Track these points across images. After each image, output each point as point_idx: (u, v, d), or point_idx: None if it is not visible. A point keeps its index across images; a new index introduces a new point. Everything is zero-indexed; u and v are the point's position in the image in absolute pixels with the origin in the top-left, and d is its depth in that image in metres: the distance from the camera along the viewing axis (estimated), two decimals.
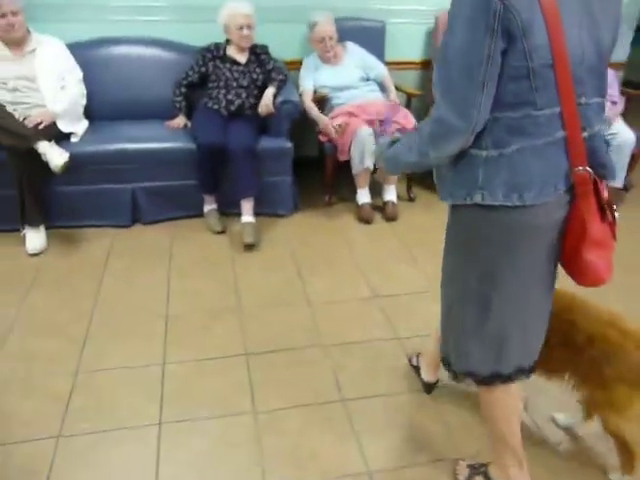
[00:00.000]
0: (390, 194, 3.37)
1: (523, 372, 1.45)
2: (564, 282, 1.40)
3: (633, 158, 3.52)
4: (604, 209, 1.22)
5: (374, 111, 3.21)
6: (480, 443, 1.76)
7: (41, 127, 2.80)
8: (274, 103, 3.15)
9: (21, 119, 2.80)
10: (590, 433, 1.79)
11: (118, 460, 1.71)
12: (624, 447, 1.57)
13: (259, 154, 3.07)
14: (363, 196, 3.32)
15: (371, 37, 3.63)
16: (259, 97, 3.19)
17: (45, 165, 2.72)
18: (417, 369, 2.02)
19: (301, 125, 3.31)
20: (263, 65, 3.26)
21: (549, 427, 1.86)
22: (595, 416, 1.62)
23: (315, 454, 1.75)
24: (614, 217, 1.26)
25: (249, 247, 2.92)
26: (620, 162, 3.46)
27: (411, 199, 3.57)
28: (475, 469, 1.64)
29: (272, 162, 3.15)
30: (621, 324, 1.52)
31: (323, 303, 2.50)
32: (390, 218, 3.30)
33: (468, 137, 1.18)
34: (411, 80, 3.84)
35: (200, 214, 3.19)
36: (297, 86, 3.39)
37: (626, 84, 3.97)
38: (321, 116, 3.28)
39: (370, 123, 3.16)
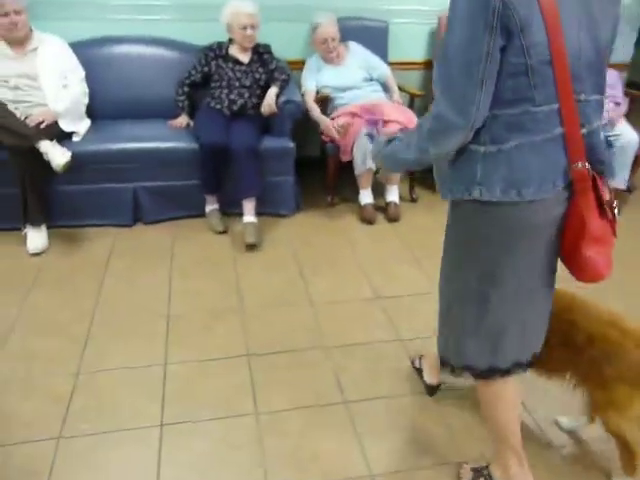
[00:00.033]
0: (392, 195, 3.36)
1: (521, 366, 1.45)
2: (565, 281, 1.39)
3: (636, 159, 3.50)
4: (603, 205, 1.23)
5: (377, 111, 3.20)
6: (483, 446, 1.75)
7: (43, 126, 2.79)
8: (277, 103, 3.14)
9: (23, 118, 2.79)
10: (594, 436, 1.78)
11: (119, 462, 1.70)
12: (625, 447, 1.56)
13: (261, 154, 3.06)
14: (365, 197, 3.31)
15: (374, 37, 3.62)
16: (262, 97, 3.18)
17: (47, 164, 2.71)
18: (420, 371, 2.00)
19: (303, 125, 3.30)
20: (266, 65, 3.25)
21: (553, 430, 1.85)
22: (597, 417, 1.61)
23: (317, 456, 1.74)
24: (614, 213, 1.27)
25: (251, 247, 2.91)
26: (623, 163, 3.44)
27: (413, 200, 3.56)
28: (478, 472, 1.63)
29: (274, 162, 3.14)
30: (621, 323, 1.51)
31: (325, 304, 2.49)
32: (392, 219, 3.29)
33: (467, 133, 1.18)
34: (414, 80, 3.83)
35: (202, 214, 3.18)
36: (300, 86, 3.38)
37: (630, 85, 3.96)
38: (323, 117, 3.27)
39: (373, 123, 3.14)
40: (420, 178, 3.54)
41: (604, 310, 1.57)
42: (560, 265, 1.38)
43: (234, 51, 3.21)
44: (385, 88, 3.50)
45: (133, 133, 3.11)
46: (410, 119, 3.21)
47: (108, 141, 3.01)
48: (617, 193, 3.42)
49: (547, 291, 1.40)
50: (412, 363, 2.08)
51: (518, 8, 1.08)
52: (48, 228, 2.92)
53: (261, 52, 3.25)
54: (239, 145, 2.95)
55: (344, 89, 3.36)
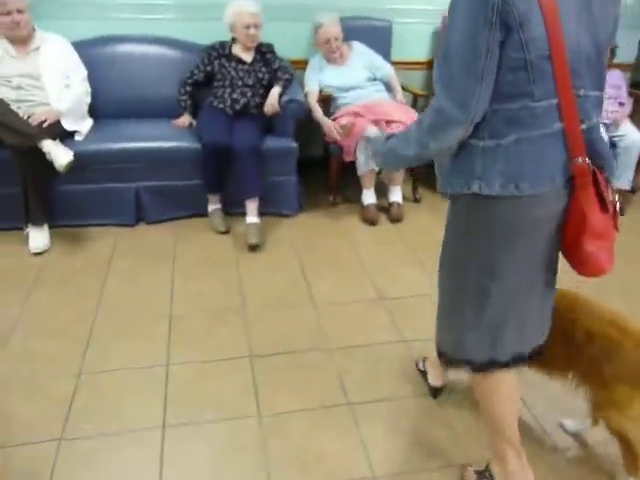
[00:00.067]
0: (395, 195, 3.34)
1: (520, 359, 1.45)
2: (566, 279, 1.38)
3: None
4: (604, 200, 1.23)
5: (380, 111, 3.18)
6: (487, 448, 1.73)
7: (45, 125, 2.78)
8: (280, 102, 3.12)
9: (25, 117, 2.78)
10: (599, 439, 1.77)
11: (121, 464, 1.69)
12: (627, 447, 1.55)
13: (264, 154, 3.05)
14: (368, 197, 3.29)
15: (378, 37, 3.61)
16: (264, 96, 3.17)
17: (49, 164, 2.70)
18: (424, 374, 1.99)
19: (306, 125, 3.29)
20: (269, 64, 3.24)
21: (557, 433, 1.83)
22: (599, 417, 1.60)
23: (320, 458, 1.72)
24: (615, 208, 1.27)
25: (253, 248, 2.90)
26: (627, 164, 3.43)
27: (416, 200, 3.55)
28: (482, 474, 1.61)
29: (277, 162, 3.13)
30: (622, 323, 1.51)
31: (328, 305, 2.48)
32: (395, 219, 3.28)
33: (467, 128, 1.19)
34: (417, 80, 3.82)
35: (204, 214, 3.17)
36: (303, 86, 3.36)
37: (634, 85, 3.95)
38: (325, 119, 3.26)
39: (376, 123, 3.13)
40: (423, 178, 3.53)
41: (606, 309, 1.57)
42: (562, 260, 1.38)
43: (237, 50, 3.20)
44: (388, 88, 3.49)
45: (136, 132, 3.10)
46: (413, 119, 3.19)
47: (110, 140, 3.00)
48: (621, 194, 3.41)
49: (548, 285, 1.40)
50: (416, 365, 2.07)
51: (517, 3, 1.09)
52: (50, 228, 2.91)
53: (264, 51, 3.24)
54: (242, 145, 2.94)
55: (347, 89, 3.35)
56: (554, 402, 1.90)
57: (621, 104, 3.58)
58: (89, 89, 3.16)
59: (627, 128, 3.46)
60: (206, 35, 3.31)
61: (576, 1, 1.15)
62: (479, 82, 1.13)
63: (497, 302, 1.35)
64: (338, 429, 1.83)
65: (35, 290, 2.51)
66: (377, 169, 3.23)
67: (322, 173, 3.50)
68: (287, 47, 3.44)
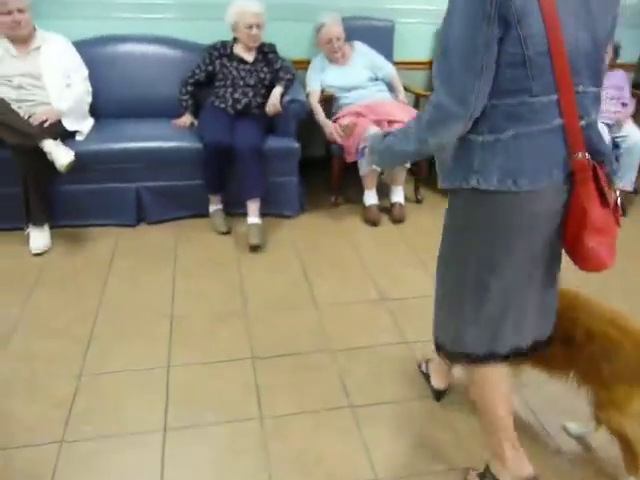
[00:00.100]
0: (397, 195, 3.33)
1: (520, 352, 1.45)
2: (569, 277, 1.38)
3: None
4: (604, 195, 1.23)
5: (382, 111, 3.17)
6: (485, 448, 1.72)
7: (46, 125, 2.77)
8: (281, 102, 3.11)
9: (26, 117, 2.77)
10: (603, 442, 1.75)
11: (122, 466, 1.68)
12: (627, 446, 1.55)
13: (266, 154, 3.04)
14: (370, 197, 3.28)
15: (380, 37, 3.60)
16: (266, 96, 3.16)
17: (50, 164, 2.69)
18: (427, 376, 1.98)
19: (308, 125, 3.28)
20: (271, 64, 3.23)
21: (561, 436, 1.82)
22: (599, 416, 1.59)
23: (322, 460, 1.71)
24: (616, 203, 1.28)
25: (255, 248, 2.89)
26: (630, 165, 3.42)
27: (418, 201, 3.54)
28: (483, 476, 1.60)
29: (279, 162, 3.12)
30: (622, 322, 1.51)
31: (330, 306, 2.47)
32: (397, 220, 3.27)
33: (466, 123, 1.20)
34: (419, 80, 3.81)
35: (205, 214, 3.16)
36: (305, 85, 3.35)
37: (637, 86, 3.94)
38: (327, 121, 3.25)
39: (378, 123, 3.12)
40: (425, 179, 3.52)
41: (607, 309, 1.56)
42: (564, 257, 1.38)
43: (239, 50, 3.19)
44: (390, 88, 3.48)
45: (137, 132, 3.09)
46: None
47: (111, 140, 2.99)
48: (624, 195, 3.40)
49: (549, 281, 1.41)
50: (419, 367, 2.05)
51: None
52: (51, 228, 2.90)
53: (266, 51, 3.23)
54: (243, 145, 2.93)
55: (349, 89, 3.34)
56: (557, 405, 1.89)
57: (624, 105, 3.57)
58: (90, 89, 3.15)
59: (630, 129, 3.45)
60: (207, 35, 3.30)
61: None
62: (478, 77, 1.14)
63: (496, 297, 1.35)
64: (340, 431, 1.82)
65: (36, 290, 2.50)
66: (379, 169, 3.22)
67: (324, 173, 3.49)
68: (289, 47, 3.43)
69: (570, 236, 1.29)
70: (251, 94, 3.16)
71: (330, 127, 3.20)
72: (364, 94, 3.32)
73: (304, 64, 3.46)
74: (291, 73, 3.24)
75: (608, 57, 3.42)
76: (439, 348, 1.54)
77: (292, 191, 3.23)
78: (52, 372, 2.02)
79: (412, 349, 2.20)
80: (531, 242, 1.30)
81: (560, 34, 1.13)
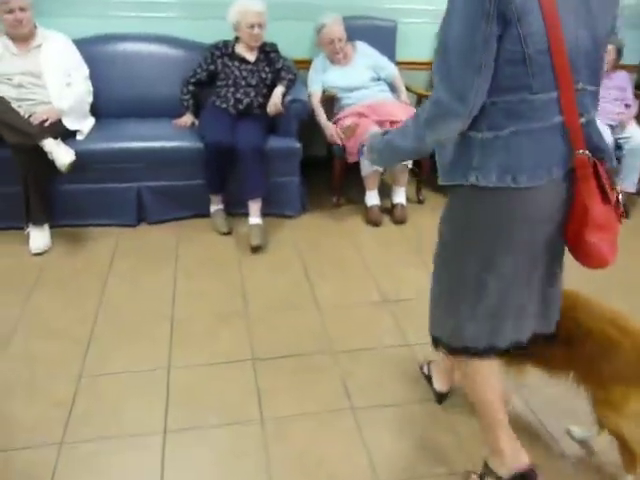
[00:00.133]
0: (399, 196, 3.32)
1: (520, 345, 1.45)
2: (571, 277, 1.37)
3: None
4: (605, 191, 1.24)
5: (384, 112, 3.16)
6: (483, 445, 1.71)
7: (46, 124, 2.76)
8: (283, 102, 3.10)
9: (26, 116, 2.76)
10: (606, 446, 1.73)
11: (121, 468, 1.66)
12: (625, 446, 1.55)
13: (267, 154, 3.02)
14: (372, 198, 3.27)
15: (382, 37, 3.59)
16: (268, 96, 3.15)
17: (51, 163, 2.68)
18: (429, 378, 1.97)
19: (309, 125, 3.26)
20: (272, 64, 3.22)
21: (565, 440, 1.81)
22: (597, 415, 1.59)
23: (323, 462, 1.70)
24: (618, 199, 1.28)
25: (256, 249, 2.87)
26: (633, 166, 3.41)
27: (420, 201, 3.53)
28: (483, 474, 1.60)
29: (280, 162, 3.10)
30: (622, 322, 1.50)
31: (331, 307, 2.45)
32: (399, 221, 3.25)
33: (465, 120, 1.20)
34: (422, 81, 3.79)
35: (206, 214, 3.15)
36: (306, 85, 3.34)
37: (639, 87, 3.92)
38: (328, 123, 3.24)
39: (380, 124, 3.10)
40: (427, 179, 3.50)
41: (607, 309, 1.56)
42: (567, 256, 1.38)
43: (240, 49, 3.17)
44: (392, 88, 3.46)
45: (137, 132, 3.08)
46: None
47: (112, 140, 2.98)
48: (627, 196, 3.39)
49: (550, 276, 1.41)
50: (421, 369, 2.04)
51: None
52: (51, 227, 2.89)
53: (268, 51, 3.22)
54: (245, 145, 2.91)
55: (351, 89, 3.32)
56: (561, 408, 1.88)
57: (627, 106, 3.56)
58: (91, 88, 3.14)
59: (633, 130, 3.44)
60: (209, 34, 3.28)
61: None
62: (477, 74, 1.14)
63: (495, 294, 1.36)
64: (341, 433, 1.80)
65: (36, 291, 2.49)
66: (381, 170, 3.21)
67: (325, 174, 3.48)
68: (291, 47, 3.42)
69: (572, 233, 1.29)
70: (253, 94, 3.15)
71: (331, 129, 3.19)
72: (366, 94, 3.30)
73: (306, 64, 3.45)
74: (293, 73, 3.22)
75: (611, 58, 3.46)
76: (438, 343, 1.53)
77: (293, 191, 3.21)
78: (52, 373, 2.01)
79: (414, 351, 2.18)
80: (531, 239, 1.30)
81: (560, 32, 1.13)
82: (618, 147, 3.41)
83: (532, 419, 1.88)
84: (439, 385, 1.92)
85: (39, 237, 2.80)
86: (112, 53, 3.31)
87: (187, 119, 3.22)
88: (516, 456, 1.51)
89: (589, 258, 1.30)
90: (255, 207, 2.98)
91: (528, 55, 1.13)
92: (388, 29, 3.63)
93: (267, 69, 3.20)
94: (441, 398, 1.92)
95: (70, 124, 2.93)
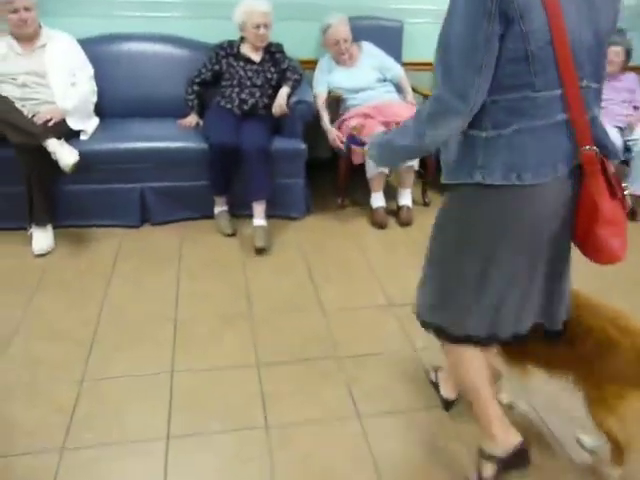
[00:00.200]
0: (405, 198, 3.29)
1: (519, 336, 1.46)
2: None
3: None
4: (613, 187, 1.24)
5: (390, 113, 3.13)
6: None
7: (50, 124, 2.74)
8: (288, 103, 3.07)
9: (30, 115, 2.74)
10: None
11: (123, 475, 1.64)
12: (615, 444, 1.56)
13: (272, 155, 3.00)
14: (377, 200, 3.24)
15: (388, 37, 3.56)
16: (273, 97, 3.12)
17: (54, 163, 2.66)
18: (436, 385, 1.94)
19: (314, 126, 3.24)
20: (278, 64, 3.19)
21: (574, 448, 1.77)
22: (590, 415, 1.58)
23: (328, 470, 1.67)
24: (623, 193, 1.29)
25: (260, 251, 2.85)
26: None
27: (426, 204, 3.49)
28: (480, 462, 1.59)
29: (285, 163, 3.08)
30: (622, 322, 1.49)
31: (336, 310, 2.42)
32: (405, 223, 3.22)
33: (466, 118, 1.20)
34: (428, 81, 3.75)
35: (210, 215, 3.13)
36: (312, 86, 3.31)
37: None
38: (330, 128, 3.22)
39: (386, 125, 3.07)
40: (433, 181, 3.47)
41: (609, 308, 1.56)
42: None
43: (246, 50, 3.15)
44: (398, 89, 3.43)
45: (142, 132, 3.06)
46: None
47: (116, 140, 2.96)
48: (635, 199, 3.35)
49: (555, 274, 1.41)
50: (428, 376, 2.01)
51: None
52: (54, 228, 2.87)
53: (273, 51, 3.20)
54: (250, 146, 2.89)
55: (357, 90, 3.29)
56: (570, 417, 1.84)
57: (636, 108, 3.53)
58: (95, 88, 3.12)
59: None
60: (214, 34, 3.26)
61: None
62: (477, 74, 1.14)
63: (496, 289, 1.36)
64: (347, 440, 1.77)
65: (38, 292, 2.47)
66: (386, 171, 3.18)
67: (330, 175, 3.45)
68: (296, 47, 3.39)
69: (581, 230, 1.30)
70: (258, 94, 3.12)
71: (333, 134, 3.17)
72: (372, 95, 3.28)
73: (311, 64, 3.42)
74: (298, 73, 3.20)
75: (620, 60, 3.42)
76: (439, 333, 1.52)
77: (298, 193, 3.19)
78: (54, 376, 1.99)
79: (420, 356, 2.15)
80: (534, 236, 1.31)
81: (563, 27, 1.13)
82: (627, 149, 3.38)
83: (541, 427, 1.85)
84: (446, 392, 1.89)
85: (42, 238, 2.78)
86: (117, 53, 3.29)
87: (192, 119, 3.20)
88: (508, 436, 1.53)
89: (600, 254, 1.30)
90: (259, 209, 2.95)
91: (530, 52, 1.13)
92: (394, 29, 3.60)
93: (272, 69, 3.17)
94: (448, 405, 1.89)
95: (74, 124, 2.91)
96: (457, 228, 1.38)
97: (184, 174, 3.05)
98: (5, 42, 2.87)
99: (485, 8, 1.09)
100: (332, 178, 3.43)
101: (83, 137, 2.95)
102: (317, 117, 3.22)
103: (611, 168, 1.25)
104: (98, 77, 3.13)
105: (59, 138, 2.71)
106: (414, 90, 3.48)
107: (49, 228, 2.83)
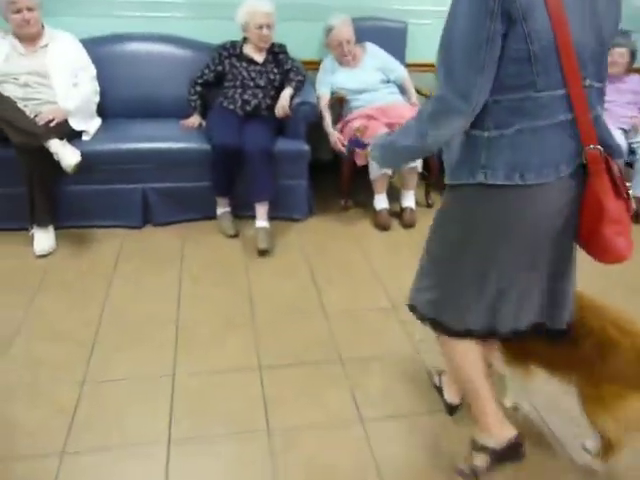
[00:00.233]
0: (408, 200, 3.27)
1: (518, 332, 1.46)
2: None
3: None
4: (617, 186, 1.24)
5: (394, 114, 3.11)
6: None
7: (52, 124, 2.73)
8: (291, 104, 3.06)
9: (32, 116, 2.73)
10: (622, 462, 1.69)
11: (125, 479, 1.62)
12: (606, 443, 1.57)
13: (275, 156, 2.98)
14: (380, 201, 3.22)
15: (392, 38, 3.55)
16: (276, 98, 3.11)
17: (56, 163, 2.65)
18: (440, 389, 1.92)
19: (317, 127, 3.22)
20: (281, 65, 3.18)
21: (580, 454, 1.75)
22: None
23: (331, 474, 1.65)
24: (627, 193, 1.29)
25: (263, 253, 2.83)
26: None
27: (429, 205, 3.48)
28: (474, 455, 1.60)
29: (288, 165, 3.06)
30: (623, 323, 1.49)
31: (339, 313, 2.41)
32: (408, 225, 3.21)
33: (468, 118, 1.20)
34: (432, 83, 3.73)
35: (213, 216, 3.11)
36: (315, 87, 3.30)
37: None
38: (332, 131, 3.21)
39: (390, 126, 3.06)
40: (436, 183, 3.45)
41: (612, 309, 1.56)
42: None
43: (249, 50, 3.14)
44: (402, 90, 3.42)
45: (144, 133, 3.04)
46: None
47: (118, 141, 2.94)
48: (639, 202, 3.33)
49: (557, 274, 1.41)
50: (432, 380, 2.00)
51: None
52: (55, 229, 2.86)
53: (276, 52, 3.18)
54: (253, 147, 2.87)
55: (360, 91, 3.28)
56: (576, 423, 1.82)
57: None
58: (98, 88, 3.11)
59: None
60: (217, 34, 3.25)
61: None
62: (480, 74, 1.14)
63: (495, 287, 1.37)
64: (349, 444, 1.76)
65: (40, 293, 2.46)
66: (390, 173, 3.16)
67: (333, 177, 3.43)
68: (299, 48, 3.38)
69: (586, 230, 1.30)
70: (261, 95, 3.11)
71: (334, 136, 3.16)
72: (375, 96, 3.26)
73: (315, 65, 3.41)
74: (301, 74, 3.18)
75: (625, 61, 3.40)
76: (438, 326, 1.52)
77: (301, 194, 3.17)
78: (55, 377, 1.98)
79: (424, 360, 2.14)
80: (537, 237, 1.31)
81: (566, 27, 1.13)
82: (632, 151, 3.36)
83: (546, 432, 1.83)
84: (450, 397, 1.87)
85: (44, 238, 2.77)
86: (119, 53, 3.28)
87: (194, 120, 3.18)
88: (503, 429, 1.55)
89: (606, 253, 1.30)
90: (262, 210, 2.94)
91: (533, 52, 1.13)
92: (398, 30, 3.59)
93: (275, 70, 3.16)
94: (452, 410, 1.87)
95: (76, 124, 2.90)
96: (458, 228, 1.38)
97: (186, 175, 3.04)
98: (8, 42, 2.86)
99: (487, 8, 1.09)
100: (335, 180, 3.41)
101: (85, 137, 2.94)
102: (320, 118, 3.20)
103: (615, 167, 1.24)
104: (100, 77, 3.12)
105: (61, 138, 2.69)
106: (418, 91, 3.47)
107: (51, 229, 2.82)
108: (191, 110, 3.20)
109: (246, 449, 1.73)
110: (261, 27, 3.01)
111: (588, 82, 1.20)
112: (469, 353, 1.52)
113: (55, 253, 2.78)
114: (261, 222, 2.92)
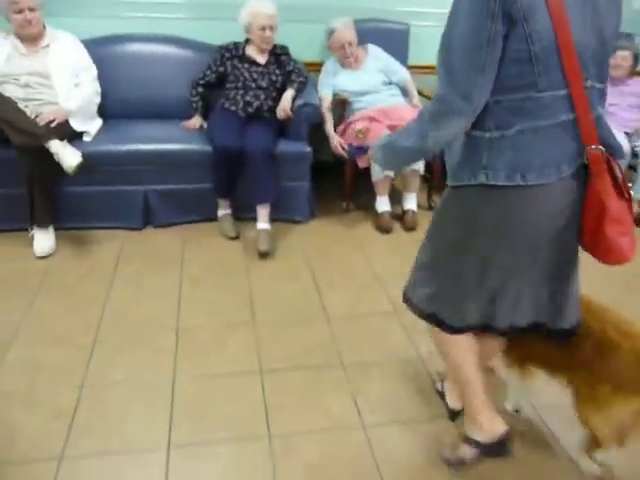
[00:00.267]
0: (410, 202, 3.26)
1: (516, 328, 1.46)
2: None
3: None
4: (620, 186, 1.24)
5: (396, 116, 3.10)
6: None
7: (53, 125, 2.72)
8: (293, 106, 3.05)
9: (33, 116, 2.72)
10: (627, 468, 1.68)
11: None
12: (595, 440, 1.58)
13: (277, 158, 2.97)
14: (382, 204, 3.21)
15: (394, 40, 3.53)
16: (278, 99, 3.09)
17: (56, 164, 2.63)
18: (442, 395, 1.90)
19: (319, 129, 3.21)
20: (283, 66, 3.16)
21: (585, 461, 1.74)
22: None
23: None
24: (629, 193, 1.28)
25: (264, 255, 2.82)
26: None
27: (431, 208, 3.46)
28: (464, 448, 1.62)
29: (290, 167, 3.05)
30: (624, 326, 1.49)
31: (340, 317, 2.39)
32: (410, 227, 3.19)
33: (469, 118, 1.20)
34: (434, 85, 3.71)
35: (214, 218, 3.10)
36: (317, 89, 3.29)
37: None
38: (333, 134, 3.19)
39: (392, 128, 3.04)
40: (438, 185, 3.44)
41: (614, 312, 1.56)
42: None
43: (251, 52, 3.12)
44: (404, 92, 3.40)
45: (145, 134, 3.03)
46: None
47: (119, 142, 2.93)
48: None
49: (559, 275, 1.40)
50: (434, 386, 1.98)
51: None
52: (56, 230, 2.85)
53: (278, 53, 3.17)
54: (254, 148, 2.86)
55: (362, 93, 3.26)
56: (571, 416, 1.81)
57: None
58: (99, 89, 3.10)
59: None
60: (219, 35, 3.24)
61: None
62: (480, 74, 1.14)
63: (493, 286, 1.38)
64: (351, 450, 1.74)
65: (39, 296, 2.44)
66: (392, 175, 3.15)
67: (334, 179, 3.42)
68: (302, 49, 3.37)
69: (588, 230, 1.29)
70: (262, 97, 3.10)
71: (335, 140, 3.15)
72: (378, 98, 3.25)
73: (317, 66, 3.39)
74: (303, 76, 3.17)
75: (628, 64, 3.38)
76: (437, 322, 1.51)
77: (303, 196, 3.16)
78: (54, 381, 1.96)
79: (426, 365, 2.12)
80: (537, 237, 1.31)
81: (567, 28, 1.13)
82: (634, 155, 3.34)
83: (549, 438, 1.81)
84: (453, 402, 1.85)
85: (44, 239, 2.76)
86: (120, 54, 3.27)
87: (196, 121, 3.17)
88: (494, 424, 1.56)
89: (609, 254, 1.29)
90: (263, 212, 2.92)
91: (534, 53, 1.13)
92: (400, 32, 3.57)
93: (277, 72, 3.15)
94: (454, 415, 1.85)
95: (77, 125, 2.88)
96: (459, 228, 1.37)
97: (188, 176, 3.02)
98: (9, 42, 2.85)
99: (488, 8, 1.10)
100: (337, 182, 3.40)
101: (86, 138, 2.93)
102: (322, 120, 3.19)
103: (617, 167, 1.24)
104: (102, 78, 3.11)
105: (62, 139, 2.68)
106: (420, 93, 3.45)
107: (51, 230, 2.81)
108: (193, 111, 3.19)
109: (246, 454, 1.71)
110: (264, 28, 3.00)
111: (589, 83, 1.20)
112: (464, 345, 1.53)
113: (55, 254, 2.77)
114: (262, 224, 2.91)
